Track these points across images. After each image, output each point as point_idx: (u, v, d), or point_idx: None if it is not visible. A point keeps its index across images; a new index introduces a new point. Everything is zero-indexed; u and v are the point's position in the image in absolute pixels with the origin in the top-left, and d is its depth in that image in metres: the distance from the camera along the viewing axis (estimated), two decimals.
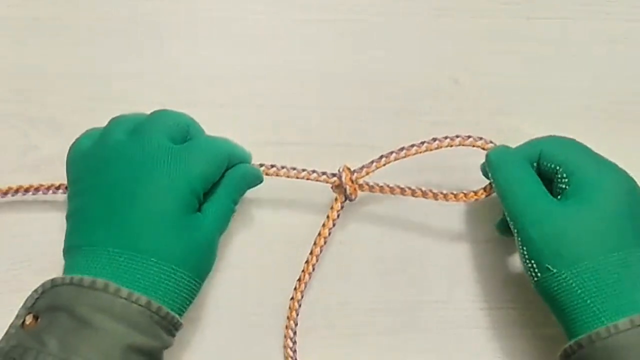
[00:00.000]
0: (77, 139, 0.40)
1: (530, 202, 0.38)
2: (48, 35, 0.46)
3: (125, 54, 0.46)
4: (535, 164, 0.40)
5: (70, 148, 0.40)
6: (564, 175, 0.39)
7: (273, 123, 0.46)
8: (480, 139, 0.41)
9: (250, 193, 0.43)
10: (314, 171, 0.42)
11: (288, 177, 0.42)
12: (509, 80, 0.47)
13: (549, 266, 0.37)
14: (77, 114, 0.45)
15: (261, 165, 0.42)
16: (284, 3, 0.48)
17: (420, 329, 0.44)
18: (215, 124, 0.45)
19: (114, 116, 0.41)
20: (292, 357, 0.42)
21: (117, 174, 0.37)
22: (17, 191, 0.43)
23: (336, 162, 0.44)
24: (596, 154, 0.40)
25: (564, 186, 0.39)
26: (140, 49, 0.46)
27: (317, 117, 0.46)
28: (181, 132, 0.39)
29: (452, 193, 0.42)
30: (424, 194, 0.42)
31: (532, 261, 0.38)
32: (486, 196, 0.42)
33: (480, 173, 0.43)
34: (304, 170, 0.42)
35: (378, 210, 0.45)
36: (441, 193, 0.42)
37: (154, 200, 0.36)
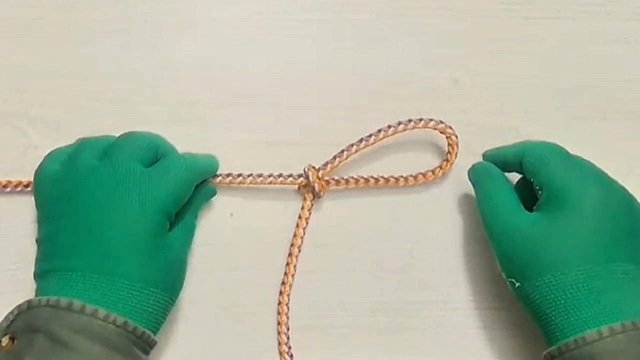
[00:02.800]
0: (43, 162, 0.41)
1: (495, 217, 0.40)
2: (48, 35, 0.46)
3: (125, 53, 0.46)
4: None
5: (37, 171, 0.40)
6: (537, 187, 0.39)
7: (272, 123, 0.46)
8: (431, 120, 0.43)
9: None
10: (280, 175, 0.44)
11: (255, 184, 0.44)
12: (509, 80, 0.47)
13: (513, 280, 0.38)
14: (77, 114, 0.45)
15: (228, 175, 0.43)
16: (284, 3, 0.48)
17: (420, 329, 0.44)
18: (214, 124, 0.45)
19: (81, 137, 0.41)
20: None
21: (88, 199, 0.37)
22: (16, 186, 0.43)
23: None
24: (577, 163, 0.40)
25: (539, 198, 0.39)
26: (140, 48, 0.46)
27: (316, 117, 0.46)
28: (151, 153, 0.39)
29: (411, 176, 0.45)
30: (387, 181, 0.44)
31: (503, 274, 0.39)
32: (443, 174, 0.45)
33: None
34: (270, 175, 0.43)
35: (379, 210, 0.45)
36: (402, 177, 0.45)
37: (126, 224, 0.37)
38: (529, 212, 0.39)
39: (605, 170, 0.45)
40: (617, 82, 0.48)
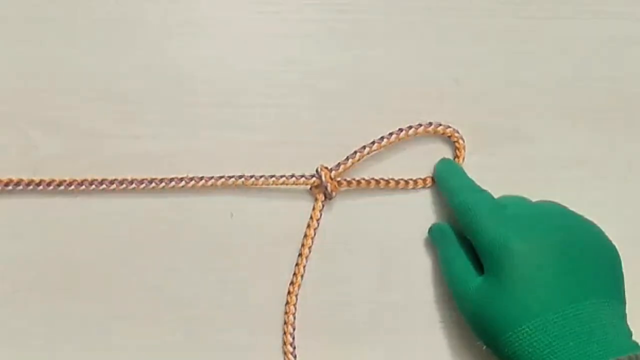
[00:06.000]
0: None
1: (450, 284, 0.41)
2: (48, 35, 0.46)
3: (125, 53, 0.46)
4: None
5: None
6: (476, 250, 0.39)
7: (272, 123, 0.46)
8: (440, 125, 0.45)
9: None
10: (292, 175, 0.44)
11: (268, 185, 0.43)
12: (509, 80, 0.47)
13: (480, 342, 0.39)
14: (77, 114, 0.45)
15: (240, 176, 0.44)
16: (285, 3, 0.48)
17: (420, 329, 0.44)
18: (215, 124, 0.45)
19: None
20: None
21: None
22: (17, 184, 0.43)
23: (335, 163, 0.44)
24: (501, 213, 0.39)
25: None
26: (140, 48, 0.46)
27: (316, 117, 0.46)
28: None
29: (420, 179, 0.45)
30: (397, 183, 0.45)
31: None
32: None
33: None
34: (282, 176, 0.44)
35: (379, 209, 0.45)
36: (412, 180, 0.45)
37: None
38: (477, 276, 0.39)
39: (605, 171, 0.45)
40: (617, 82, 0.48)
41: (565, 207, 0.41)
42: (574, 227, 0.39)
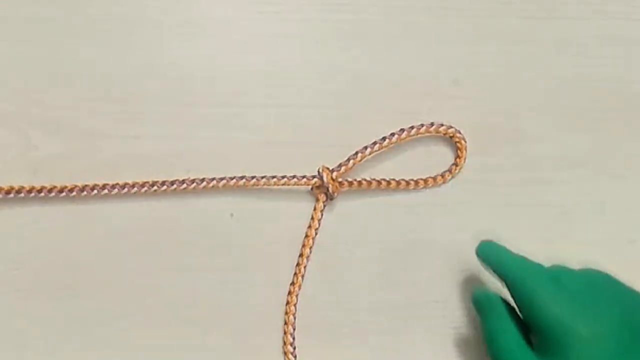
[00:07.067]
0: None
1: (499, 358, 0.38)
2: (48, 35, 0.46)
3: (125, 54, 0.46)
4: None
5: None
6: (531, 327, 0.38)
7: (272, 123, 0.46)
8: (442, 125, 0.45)
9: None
10: (293, 176, 0.44)
11: (269, 185, 0.43)
12: (509, 80, 0.47)
13: None
14: (77, 114, 0.45)
15: (242, 177, 0.43)
16: (285, 3, 0.48)
17: (420, 329, 0.44)
18: (215, 124, 0.45)
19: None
20: None
21: None
22: (18, 192, 0.43)
23: (335, 163, 0.44)
24: (562, 290, 0.37)
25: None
26: (140, 48, 0.46)
27: (316, 117, 0.46)
28: None
29: (421, 179, 0.45)
30: (398, 184, 0.45)
31: None
32: (451, 178, 0.46)
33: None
34: (283, 176, 0.43)
35: (379, 210, 0.45)
36: (413, 181, 0.45)
37: None
38: (528, 351, 0.37)
39: (605, 171, 0.45)
40: (617, 82, 0.48)
41: (612, 276, 0.39)
42: (630, 302, 0.38)
